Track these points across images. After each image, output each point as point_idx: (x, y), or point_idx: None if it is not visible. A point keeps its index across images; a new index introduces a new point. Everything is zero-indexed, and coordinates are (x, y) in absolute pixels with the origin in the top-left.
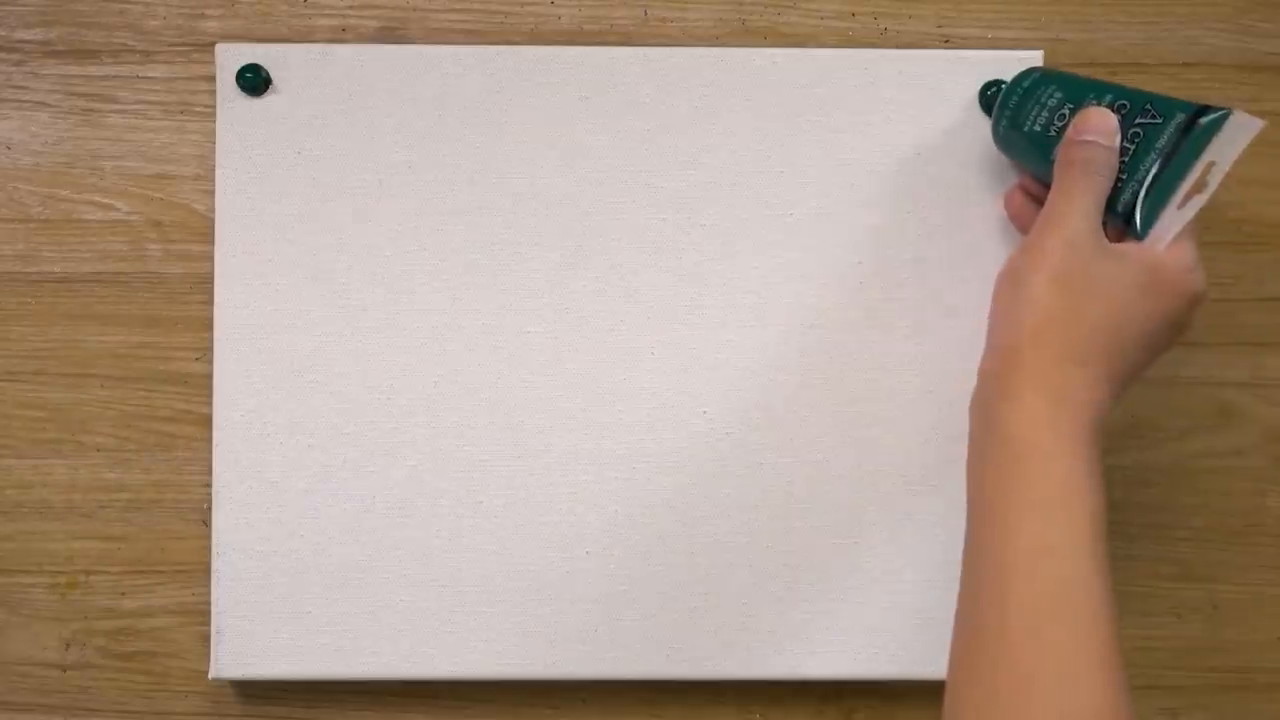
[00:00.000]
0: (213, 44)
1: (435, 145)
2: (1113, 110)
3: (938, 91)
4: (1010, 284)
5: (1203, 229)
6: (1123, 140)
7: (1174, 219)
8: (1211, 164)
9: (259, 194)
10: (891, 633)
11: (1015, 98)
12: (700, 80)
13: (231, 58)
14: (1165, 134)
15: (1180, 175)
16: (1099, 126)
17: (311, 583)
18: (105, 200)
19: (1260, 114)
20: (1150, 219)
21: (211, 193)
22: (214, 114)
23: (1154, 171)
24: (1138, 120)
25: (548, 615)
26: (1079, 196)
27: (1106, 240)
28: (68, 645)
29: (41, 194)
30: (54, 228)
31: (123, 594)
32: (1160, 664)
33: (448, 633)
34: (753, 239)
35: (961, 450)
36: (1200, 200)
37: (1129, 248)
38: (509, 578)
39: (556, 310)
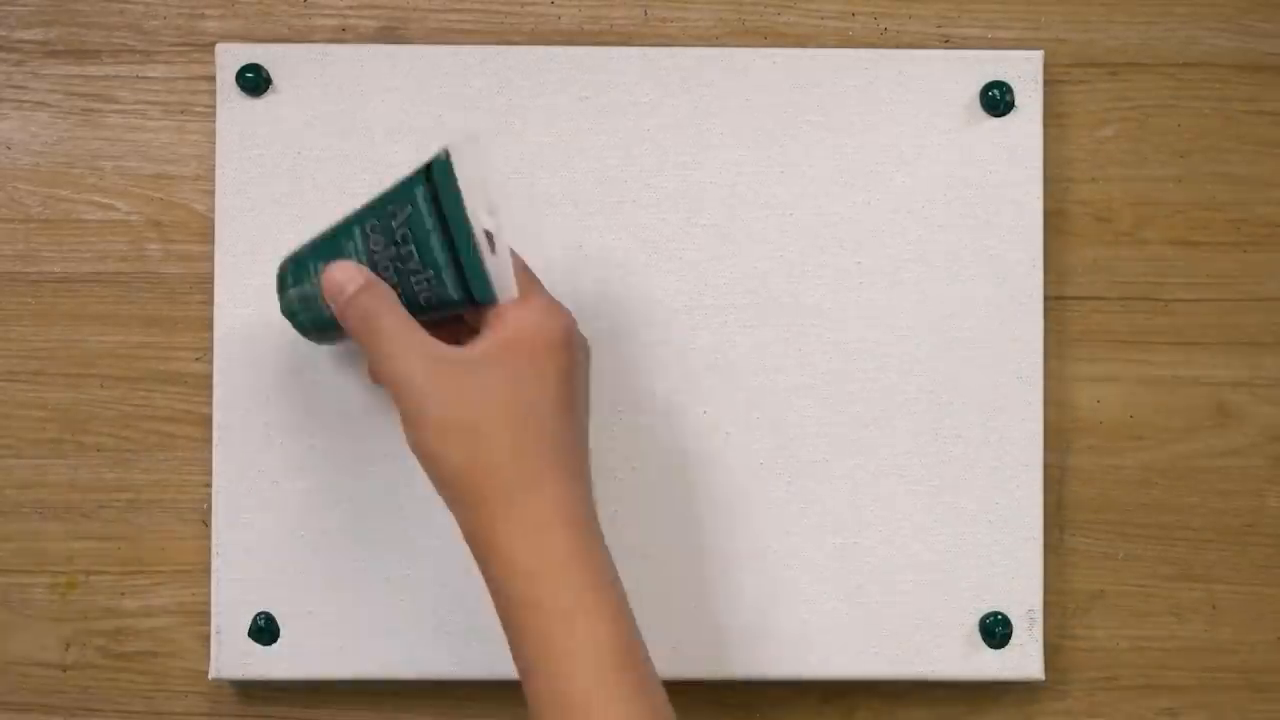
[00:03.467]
0: (213, 44)
1: (435, 145)
2: (368, 236)
3: (938, 91)
4: (422, 461)
5: (1200, 229)
6: (399, 248)
7: (500, 265)
8: (480, 197)
9: (259, 194)
10: (891, 633)
11: (291, 295)
12: (700, 80)
13: (231, 58)
14: (422, 211)
15: (468, 229)
16: (339, 278)
17: (311, 583)
18: (105, 200)
19: (1260, 114)
20: (482, 283)
21: (211, 193)
22: (214, 114)
23: (445, 248)
24: (393, 224)
25: None
26: (394, 347)
27: (456, 354)
28: (68, 645)
29: (41, 194)
30: (54, 228)
31: (123, 594)
32: (1160, 664)
33: (448, 633)
34: (753, 239)
35: (961, 450)
36: (505, 237)
37: (480, 349)
38: None
39: None
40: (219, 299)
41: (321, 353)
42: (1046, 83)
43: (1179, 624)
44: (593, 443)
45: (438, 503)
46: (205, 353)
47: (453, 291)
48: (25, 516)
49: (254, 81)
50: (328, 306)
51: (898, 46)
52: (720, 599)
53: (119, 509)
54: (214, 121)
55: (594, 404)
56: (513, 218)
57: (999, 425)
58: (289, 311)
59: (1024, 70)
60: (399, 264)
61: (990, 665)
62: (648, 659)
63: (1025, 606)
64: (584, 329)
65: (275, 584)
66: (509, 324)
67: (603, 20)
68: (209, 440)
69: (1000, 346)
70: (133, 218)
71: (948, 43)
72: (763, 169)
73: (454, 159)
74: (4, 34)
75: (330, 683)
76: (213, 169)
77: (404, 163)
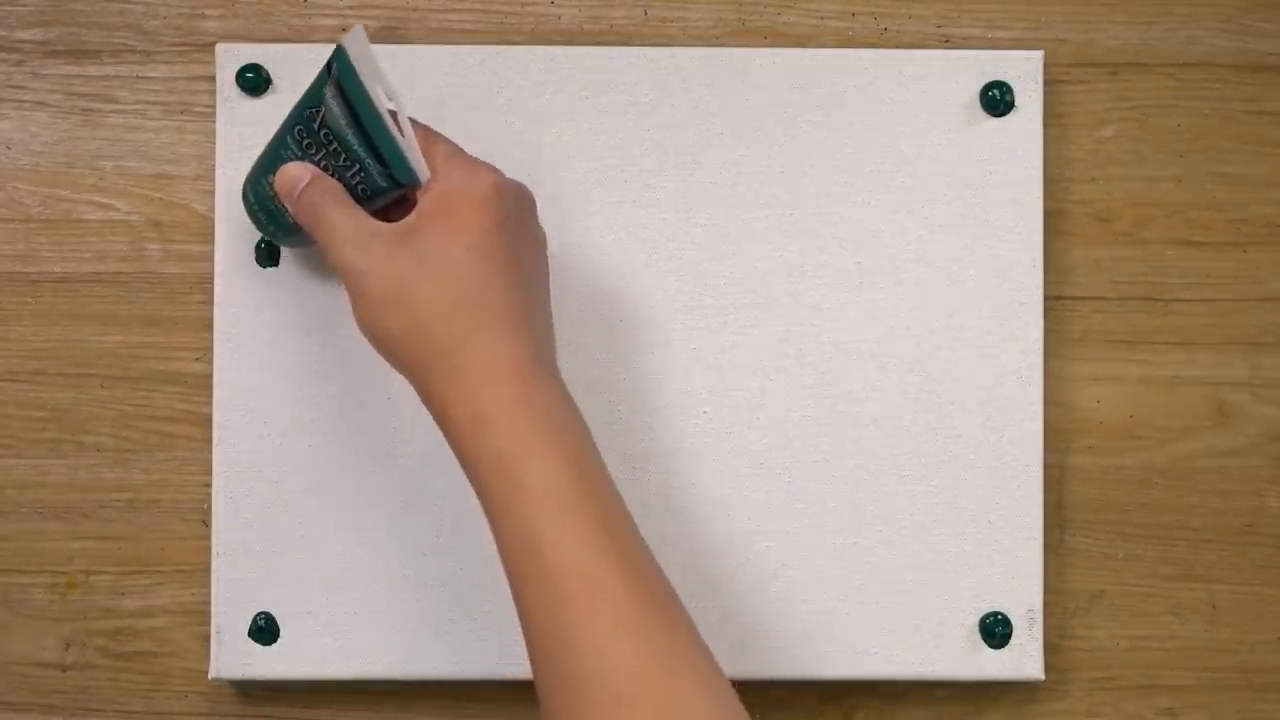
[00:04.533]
0: (213, 44)
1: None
2: (299, 142)
3: (938, 91)
4: (370, 337)
5: (1200, 229)
6: (326, 147)
7: (410, 146)
8: (376, 86)
9: None
10: (891, 633)
11: (258, 210)
12: (700, 80)
13: (231, 58)
14: (335, 109)
15: (376, 117)
16: (288, 179)
17: (311, 583)
18: (105, 200)
19: (1260, 114)
20: (401, 165)
21: (211, 193)
22: (214, 114)
23: (362, 139)
24: (314, 124)
25: None
26: (339, 235)
27: (387, 232)
28: (68, 645)
29: (41, 194)
30: (54, 228)
31: (123, 594)
32: (1160, 664)
33: (448, 633)
34: (753, 239)
35: (961, 451)
36: (405, 117)
37: (407, 222)
38: None
39: (556, 310)
40: (219, 299)
41: (321, 353)
42: (1046, 83)
43: (1179, 624)
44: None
45: (438, 502)
46: (205, 353)
47: (380, 179)
48: (25, 516)
49: (254, 81)
50: (288, 210)
51: (898, 46)
52: (720, 599)
53: (119, 509)
54: (214, 121)
55: (595, 404)
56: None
57: (999, 425)
58: (259, 225)
59: (1024, 70)
60: (331, 161)
61: (990, 665)
62: (616, 498)
63: (1025, 606)
64: (584, 329)
65: (275, 584)
66: (432, 193)
67: (603, 20)
68: (209, 440)
69: (1000, 346)
70: (133, 218)
71: (948, 43)
72: (763, 169)
73: (349, 51)
74: (4, 34)
75: (330, 683)
76: (213, 169)
77: None
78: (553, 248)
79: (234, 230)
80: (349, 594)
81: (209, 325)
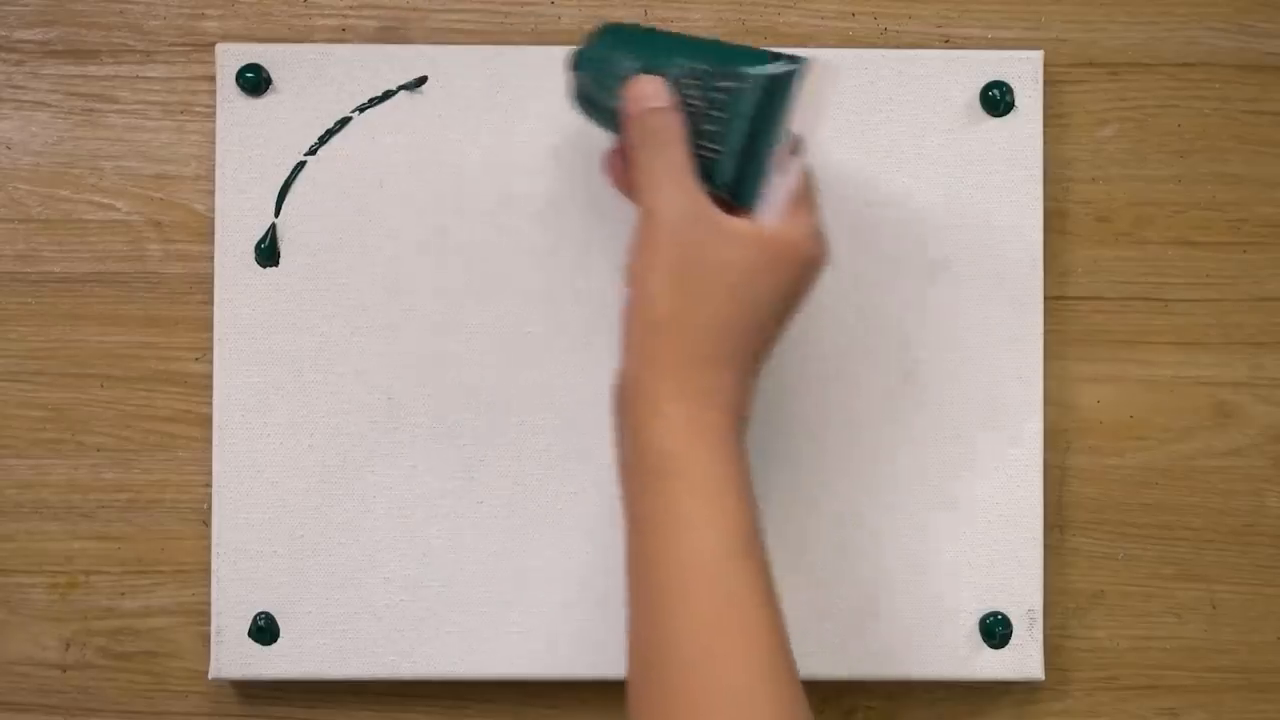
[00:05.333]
0: (213, 44)
1: (435, 145)
2: (691, 76)
3: (938, 91)
4: (634, 284)
5: (1200, 229)
6: (707, 107)
7: (778, 186)
8: (803, 120)
9: (259, 194)
10: (891, 632)
11: (593, 67)
12: None
13: (231, 58)
14: (748, 97)
15: (774, 138)
16: (648, 93)
17: (311, 583)
18: (105, 200)
19: (1260, 114)
20: (753, 190)
21: (211, 193)
22: (214, 114)
23: (746, 139)
24: (718, 84)
25: (548, 615)
26: (663, 177)
27: (717, 217)
28: (68, 645)
29: (41, 194)
30: (54, 228)
31: (123, 594)
32: (1160, 664)
33: (448, 633)
34: None
35: (961, 451)
36: (800, 161)
37: (740, 228)
38: (509, 578)
39: (557, 310)
40: (219, 299)
41: (321, 353)
42: (1046, 83)
43: (1179, 624)
44: (592, 443)
45: (438, 503)
46: (205, 353)
47: (722, 177)
48: (25, 516)
49: (254, 81)
50: (618, 99)
51: (898, 46)
52: None
53: (119, 509)
54: (214, 121)
55: (594, 403)
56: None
57: (999, 425)
58: (577, 81)
59: (1024, 70)
60: (697, 119)
61: (990, 665)
62: (765, 551)
63: (1025, 606)
64: (584, 329)
65: (275, 584)
66: (772, 228)
67: (602, 20)
68: (209, 440)
69: (1000, 346)
70: (133, 218)
71: (948, 43)
72: None
73: (807, 76)
74: (4, 34)
75: (330, 683)
76: (213, 169)
77: (404, 163)
78: (554, 248)
79: (234, 230)
80: (349, 594)
81: (209, 325)
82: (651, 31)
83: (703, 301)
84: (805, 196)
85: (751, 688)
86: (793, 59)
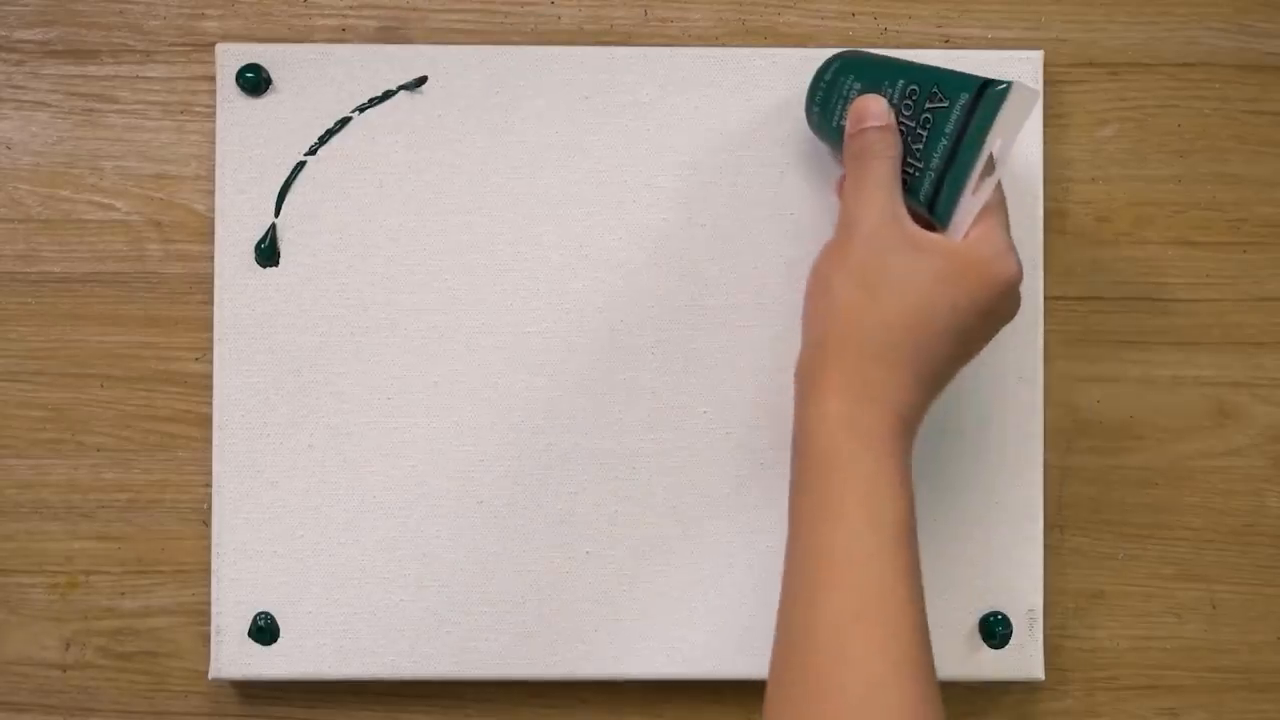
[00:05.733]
0: (213, 44)
1: (435, 145)
2: (905, 96)
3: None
4: (815, 282)
5: (1200, 229)
6: (916, 126)
7: (970, 204)
8: (999, 141)
9: (259, 194)
10: None
11: (821, 91)
12: (700, 80)
13: (231, 58)
14: (952, 118)
15: (972, 158)
16: (870, 111)
17: (311, 583)
18: (105, 200)
19: (1260, 114)
20: (949, 208)
21: (211, 193)
22: (214, 114)
23: (946, 158)
24: (927, 105)
25: (548, 615)
26: (869, 187)
27: (910, 229)
28: (68, 645)
29: (41, 194)
30: (54, 228)
31: (123, 594)
32: (1160, 664)
33: (447, 633)
34: (753, 239)
35: (959, 449)
36: (993, 181)
37: (930, 238)
38: (509, 578)
39: (556, 310)
40: (219, 299)
41: (321, 353)
42: (1046, 83)
43: (1179, 624)
44: (592, 442)
45: (438, 503)
46: (205, 353)
47: (920, 193)
48: (25, 516)
49: (254, 81)
50: (842, 118)
51: (898, 46)
52: (720, 599)
53: (119, 509)
54: (214, 121)
55: (594, 404)
56: (991, 188)
57: (999, 425)
58: (811, 95)
59: (1024, 70)
60: (907, 138)
61: (990, 665)
62: (915, 550)
63: (1025, 606)
64: (584, 329)
65: (275, 584)
66: (967, 241)
67: (603, 20)
68: (209, 440)
69: (1000, 346)
70: (133, 218)
71: (948, 43)
72: (763, 169)
73: (1010, 97)
74: (4, 34)
75: (330, 683)
76: (213, 169)
77: (404, 163)
78: (553, 248)
79: (234, 230)
80: (349, 594)
81: (209, 325)
82: (876, 57)
83: (881, 302)
84: (996, 215)
85: (884, 680)
86: (999, 82)
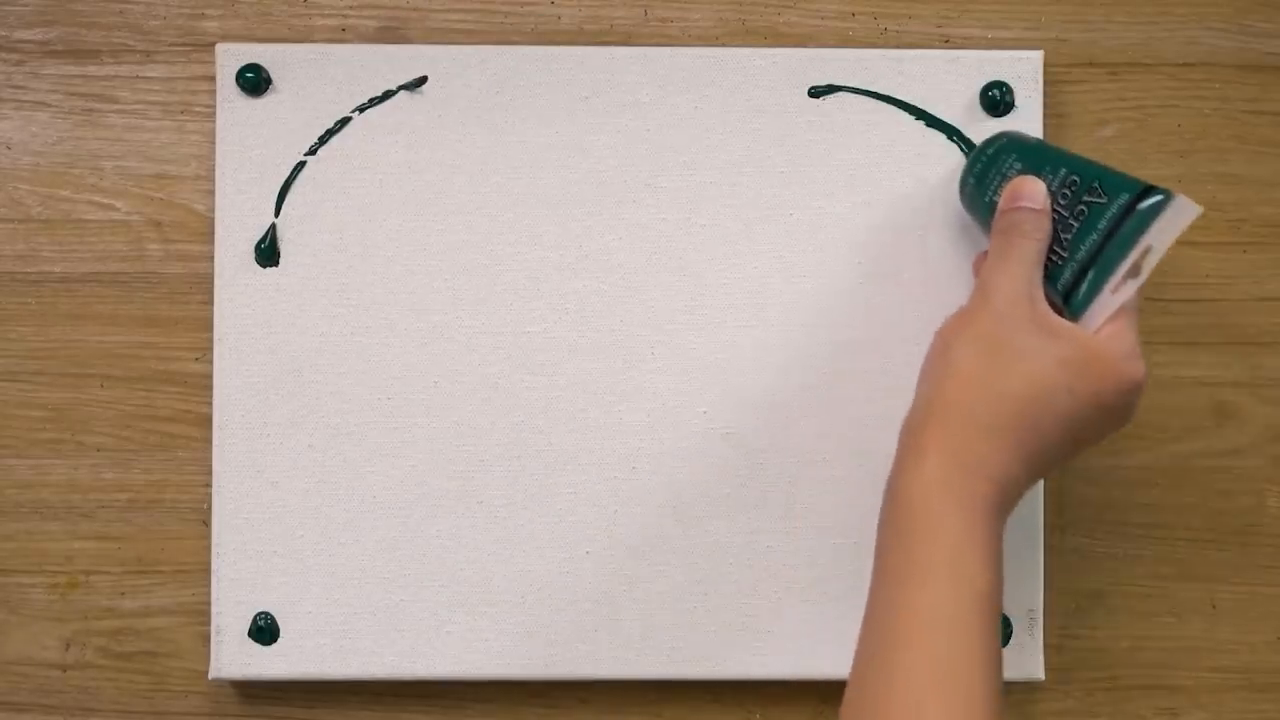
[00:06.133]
0: (213, 44)
1: (435, 145)
2: (1065, 185)
3: (938, 91)
4: (939, 345)
5: (1200, 229)
6: (1069, 217)
7: (1109, 301)
8: (1149, 248)
9: (259, 194)
10: None
11: (980, 164)
12: (700, 80)
13: (231, 58)
14: (1108, 215)
15: (1119, 258)
16: (1026, 192)
17: (311, 583)
18: (105, 200)
19: (1260, 114)
20: (1086, 301)
21: (211, 193)
22: (214, 114)
23: (1093, 252)
24: (1085, 198)
25: (548, 615)
26: (1011, 263)
27: (1043, 309)
28: (68, 645)
29: (41, 194)
30: (54, 228)
31: (123, 594)
32: (1160, 664)
33: (448, 633)
34: (753, 239)
35: None
36: (1135, 284)
37: (1063, 324)
38: (509, 578)
39: (556, 310)
40: (219, 299)
41: (321, 353)
42: (1046, 83)
43: (1179, 624)
44: (592, 443)
45: (438, 503)
46: (205, 353)
47: (1059, 281)
48: (25, 516)
49: (254, 81)
50: (995, 195)
51: (898, 46)
52: (720, 599)
53: (119, 509)
54: (214, 121)
55: (594, 404)
56: (1125, 290)
57: None
58: (968, 165)
59: (1024, 70)
60: (1058, 225)
61: None
62: (998, 619)
63: (1025, 607)
64: (584, 329)
65: (275, 584)
66: (1098, 335)
67: (603, 20)
68: (209, 440)
69: None
70: (133, 218)
71: (948, 43)
72: (763, 169)
73: (1169, 206)
74: (4, 34)
75: (330, 683)
76: (213, 169)
77: (404, 163)
78: (553, 248)
79: (234, 230)
80: (349, 594)
81: (209, 325)
82: (1040, 142)
83: (999, 373)
84: (1130, 318)
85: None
86: (1161, 190)
